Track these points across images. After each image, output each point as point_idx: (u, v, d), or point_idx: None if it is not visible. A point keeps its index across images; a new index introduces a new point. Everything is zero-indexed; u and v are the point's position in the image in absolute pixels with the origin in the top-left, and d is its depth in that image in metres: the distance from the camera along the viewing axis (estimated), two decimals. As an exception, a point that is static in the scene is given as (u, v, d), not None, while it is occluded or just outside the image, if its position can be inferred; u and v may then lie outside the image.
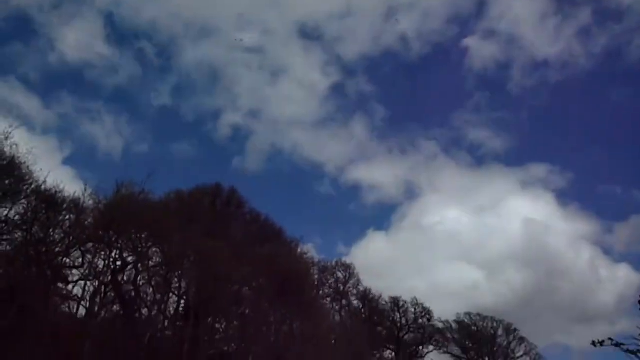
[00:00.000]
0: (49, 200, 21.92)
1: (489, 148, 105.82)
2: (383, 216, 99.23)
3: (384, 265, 76.24)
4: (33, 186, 21.54)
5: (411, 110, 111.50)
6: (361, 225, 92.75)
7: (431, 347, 56.69)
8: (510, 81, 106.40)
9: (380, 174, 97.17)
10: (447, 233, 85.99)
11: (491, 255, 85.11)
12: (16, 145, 21.04)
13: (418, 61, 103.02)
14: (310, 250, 51.51)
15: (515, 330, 58.17)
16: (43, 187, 21.63)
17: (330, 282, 49.01)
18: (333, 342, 18.32)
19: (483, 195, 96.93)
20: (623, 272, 78.79)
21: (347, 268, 51.78)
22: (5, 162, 21.17)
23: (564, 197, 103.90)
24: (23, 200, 21.39)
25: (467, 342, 59.29)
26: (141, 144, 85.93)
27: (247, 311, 21.62)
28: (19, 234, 21.44)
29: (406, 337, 55.24)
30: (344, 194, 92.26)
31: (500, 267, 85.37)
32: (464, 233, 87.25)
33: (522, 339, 58.16)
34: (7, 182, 21.37)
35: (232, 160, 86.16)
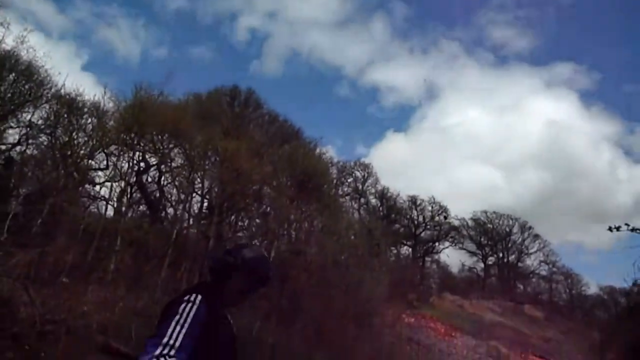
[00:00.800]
0: (70, 104, 22.15)
1: (513, 47, 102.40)
2: (402, 118, 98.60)
3: (403, 166, 76.86)
4: (53, 90, 21.69)
5: (433, 9, 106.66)
6: (380, 127, 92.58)
7: (447, 244, 58.37)
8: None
9: (400, 75, 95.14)
10: (467, 134, 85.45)
11: (510, 156, 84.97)
12: (33, 49, 20.92)
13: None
14: (328, 150, 51.81)
15: (530, 227, 59.28)
16: (63, 91, 21.78)
17: (349, 181, 49.83)
18: (352, 237, 18.90)
19: (505, 95, 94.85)
20: None
21: (366, 168, 52.39)
22: (23, 67, 21.18)
23: (589, 97, 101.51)
24: (45, 105, 21.65)
25: (482, 239, 60.80)
26: (159, 48, 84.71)
27: (268, 209, 22.24)
28: (44, 137, 21.91)
29: (422, 234, 56.83)
30: (364, 96, 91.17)
31: (519, 167, 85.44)
32: (484, 134, 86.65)
33: (536, 236, 59.38)
34: (27, 86, 21.52)
35: (250, 64, 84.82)
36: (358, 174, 52.14)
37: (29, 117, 21.25)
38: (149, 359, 2.08)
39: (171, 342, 2.15)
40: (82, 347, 5.90)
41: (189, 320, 2.24)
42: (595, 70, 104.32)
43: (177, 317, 2.23)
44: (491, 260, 61.92)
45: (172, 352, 2.13)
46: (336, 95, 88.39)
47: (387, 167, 79.76)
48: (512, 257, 61.36)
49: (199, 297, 2.34)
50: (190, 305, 2.28)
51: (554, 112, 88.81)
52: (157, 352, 2.10)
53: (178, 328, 2.19)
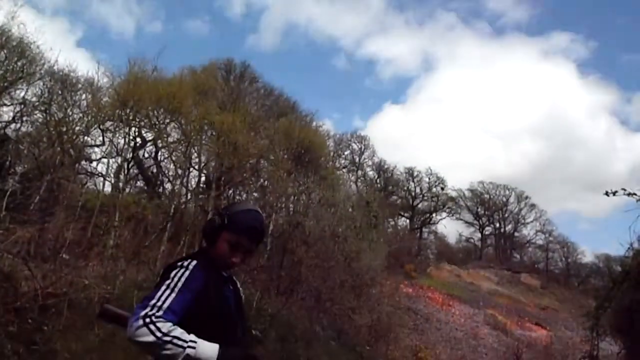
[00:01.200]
0: (64, 80, 21.95)
1: (510, 17, 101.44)
2: (400, 90, 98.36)
3: (400, 138, 77.06)
4: (46, 67, 21.47)
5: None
6: (378, 99, 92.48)
7: (444, 214, 58.82)
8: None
9: (397, 47, 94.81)
10: (464, 105, 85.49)
11: (508, 127, 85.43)
12: (24, 25, 20.62)
13: None
14: (325, 123, 51.54)
15: (526, 197, 59.77)
16: (56, 67, 21.57)
17: (345, 154, 49.87)
18: (350, 209, 18.99)
19: (502, 66, 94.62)
20: (639, 141, 79.00)
21: (362, 140, 52.40)
22: (14, 43, 20.92)
23: (585, 66, 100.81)
24: (38, 81, 21.45)
25: (479, 209, 61.24)
26: (153, 23, 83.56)
27: (265, 182, 22.27)
28: (38, 114, 21.77)
29: (420, 205, 57.17)
30: (361, 68, 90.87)
31: (516, 138, 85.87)
32: (481, 105, 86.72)
33: (532, 206, 59.92)
34: (19, 63, 21.28)
35: (247, 38, 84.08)
36: (355, 146, 52.22)
37: (22, 94, 21.09)
38: (135, 320, 2.03)
39: (159, 303, 2.10)
40: (85, 321, 5.97)
41: (179, 284, 2.19)
42: (592, 40, 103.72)
43: (168, 281, 2.19)
44: (488, 230, 62.54)
45: (160, 313, 2.07)
46: (333, 68, 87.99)
47: (385, 139, 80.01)
48: (508, 227, 62.01)
49: (193, 262, 2.30)
50: (182, 270, 2.24)
51: (551, 81, 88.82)
52: (143, 312, 2.04)
53: (168, 291, 2.15)
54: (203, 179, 23.77)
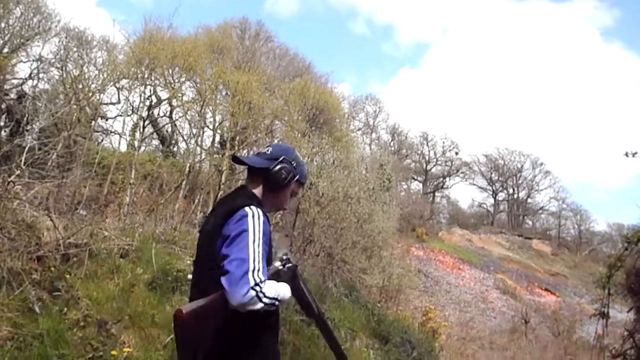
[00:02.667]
0: (79, 38, 21.97)
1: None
2: (417, 54, 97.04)
3: (417, 103, 76.47)
4: (62, 23, 21.49)
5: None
6: (395, 64, 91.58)
7: (457, 179, 58.65)
8: None
9: (415, 12, 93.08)
10: (484, 70, 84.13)
11: (527, 92, 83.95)
12: (39, -20, 20.55)
13: None
14: (340, 86, 51.13)
15: (541, 164, 59.24)
16: (72, 24, 21.58)
17: (360, 116, 49.61)
18: (363, 171, 18.99)
19: (525, 32, 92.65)
20: None
21: (377, 102, 52.01)
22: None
23: (609, 34, 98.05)
24: (54, 38, 21.50)
25: (493, 175, 60.88)
26: None
27: (280, 143, 22.31)
28: (54, 71, 21.87)
29: (433, 169, 56.99)
30: (379, 33, 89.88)
31: (535, 103, 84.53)
32: (501, 70, 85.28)
33: (547, 172, 59.50)
34: (34, 19, 21.28)
35: (264, 3, 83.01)
36: (369, 109, 51.87)
37: (38, 51, 21.17)
38: (245, 292, 2.14)
39: (257, 266, 2.21)
40: (105, 270, 6.15)
41: (260, 235, 2.28)
42: (616, 7, 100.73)
43: (250, 235, 2.25)
44: (501, 196, 62.31)
45: (263, 278, 2.21)
46: (351, 33, 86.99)
47: (400, 104, 79.49)
48: (522, 194, 61.70)
49: (259, 208, 2.37)
50: (256, 219, 2.30)
51: (573, 48, 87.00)
52: (252, 283, 2.17)
53: (256, 248, 2.24)
54: (217, 138, 23.87)
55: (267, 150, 2.61)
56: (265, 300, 2.18)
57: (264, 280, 2.22)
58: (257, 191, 2.54)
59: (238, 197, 2.50)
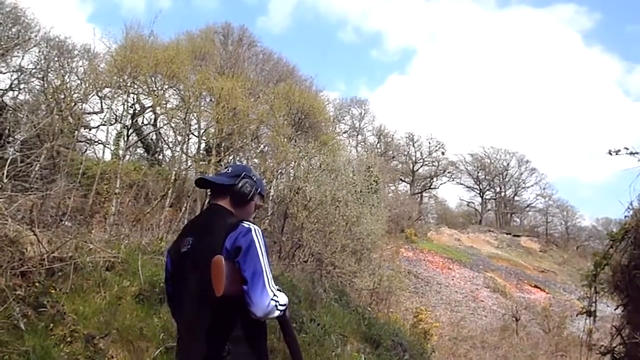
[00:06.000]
0: (60, 47, 21.74)
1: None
2: (405, 61, 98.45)
3: (404, 107, 77.31)
4: (42, 33, 21.25)
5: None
6: (384, 70, 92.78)
7: (444, 179, 58.87)
8: None
9: (403, 19, 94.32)
10: (469, 74, 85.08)
11: (512, 93, 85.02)
12: (17, -10, 20.32)
13: None
14: (329, 94, 51.16)
15: (527, 161, 59.69)
16: (52, 33, 21.36)
17: (345, 118, 49.65)
18: (351, 174, 19.01)
19: (508, 37, 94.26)
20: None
21: (362, 104, 52.08)
22: (8, 9, 20.62)
23: (590, 38, 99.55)
24: (34, 48, 21.24)
25: (479, 174, 61.23)
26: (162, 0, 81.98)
27: (265, 148, 22.25)
28: (36, 82, 21.60)
29: (420, 169, 57.18)
30: (367, 40, 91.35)
31: (520, 104, 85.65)
32: (486, 73, 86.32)
33: (533, 170, 59.95)
34: (14, 29, 21.02)
35: (257, 20, 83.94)
36: (355, 111, 51.93)
37: (18, 61, 20.91)
38: (267, 304, 2.42)
39: (270, 278, 2.49)
40: (91, 284, 6.06)
41: (265, 249, 2.55)
42: (597, 11, 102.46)
43: (258, 250, 2.49)
44: (488, 194, 62.69)
45: (276, 290, 2.51)
46: (341, 40, 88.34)
47: (389, 109, 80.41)
48: (509, 191, 62.13)
49: (256, 225, 2.59)
50: (259, 234, 2.54)
51: (556, 51, 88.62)
52: (271, 296, 2.45)
53: (265, 262, 2.50)
54: (203, 145, 23.73)
55: (228, 170, 2.83)
56: (280, 308, 2.47)
57: (278, 291, 2.51)
58: (228, 208, 2.71)
59: (224, 215, 2.65)
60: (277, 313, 2.45)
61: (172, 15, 78.68)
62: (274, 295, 2.45)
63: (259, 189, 2.79)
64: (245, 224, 2.53)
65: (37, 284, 5.41)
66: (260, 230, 2.56)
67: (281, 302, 2.47)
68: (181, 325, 2.71)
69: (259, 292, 2.40)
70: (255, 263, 2.44)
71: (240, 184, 2.70)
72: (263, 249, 2.50)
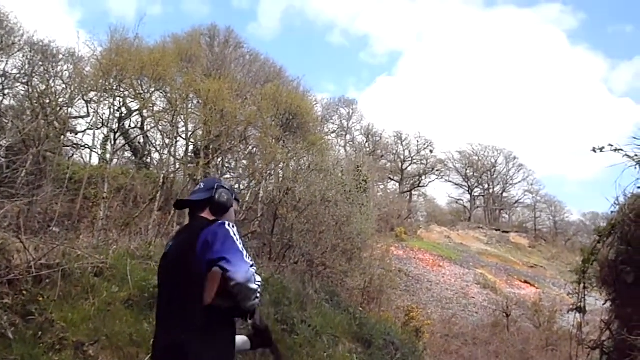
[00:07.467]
0: (44, 51, 21.49)
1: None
2: (392, 62, 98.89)
3: (392, 107, 77.71)
4: (25, 37, 21.02)
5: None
6: (372, 72, 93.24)
7: (433, 177, 58.99)
8: None
9: (390, 21, 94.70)
10: (456, 73, 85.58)
11: (499, 91, 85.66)
12: (-1, -4, 20.08)
13: None
14: (311, 87, 51.19)
15: (515, 158, 59.98)
16: (36, 38, 21.12)
17: (334, 118, 49.65)
18: (340, 174, 19.01)
19: (494, 36, 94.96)
20: (624, 106, 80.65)
21: (350, 104, 52.08)
22: (-11, 15, 20.38)
23: (575, 37, 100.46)
24: (18, 53, 21.00)
25: (468, 171, 61.46)
26: (154, 6, 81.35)
27: (254, 149, 22.18)
28: (20, 87, 21.35)
29: (409, 168, 57.26)
30: (355, 43, 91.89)
31: (507, 102, 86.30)
32: (473, 72, 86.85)
33: (520, 166, 60.23)
34: (-3, 34, 20.78)
35: (247, 27, 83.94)
36: (343, 111, 51.95)
37: (2, 66, 20.66)
38: (246, 271, 2.41)
39: (246, 252, 2.51)
40: (79, 290, 6.00)
41: (240, 241, 2.56)
42: (581, 11, 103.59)
43: (237, 240, 2.53)
44: (477, 191, 62.92)
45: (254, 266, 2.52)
46: (329, 43, 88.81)
47: (377, 109, 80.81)
48: (497, 188, 62.40)
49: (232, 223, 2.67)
50: (234, 228, 2.59)
51: (542, 50, 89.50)
52: (251, 265, 2.46)
53: (242, 246, 2.53)
54: (191, 147, 23.60)
55: (201, 185, 2.92)
56: (257, 283, 2.47)
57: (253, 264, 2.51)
58: (210, 219, 2.77)
59: (203, 221, 2.74)
60: (254, 285, 2.43)
61: (162, 22, 78.40)
62: (252, 265, 2.47)
63: (234, 195, 2.91)
64: (220, 221, 2.63)
65: (24, 292, 5.35)
66: (234, 226, 2.63)
67: (257, 277, 2.49)
68: (155, 317, 2.79)
69: (238, 259, 2.43)
70: (231, 244, 2.49)
71: (217, 195, 2.79)
72: (238, 238, 2.54)
